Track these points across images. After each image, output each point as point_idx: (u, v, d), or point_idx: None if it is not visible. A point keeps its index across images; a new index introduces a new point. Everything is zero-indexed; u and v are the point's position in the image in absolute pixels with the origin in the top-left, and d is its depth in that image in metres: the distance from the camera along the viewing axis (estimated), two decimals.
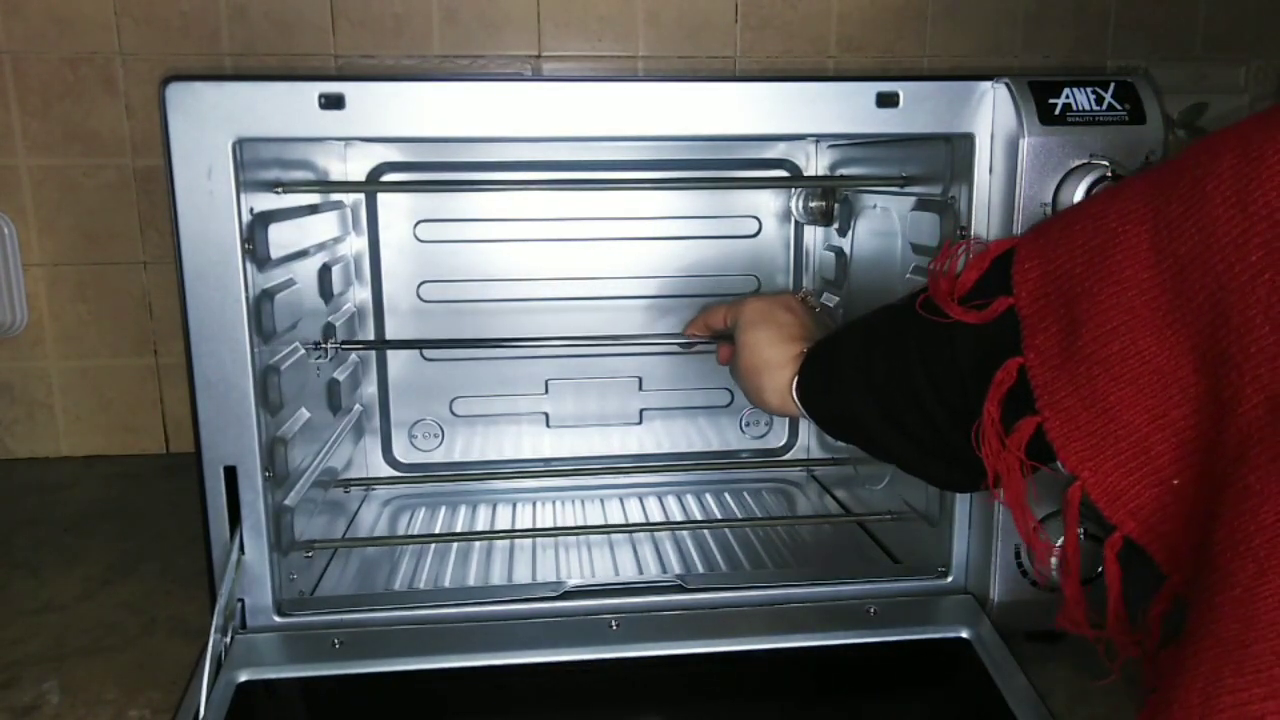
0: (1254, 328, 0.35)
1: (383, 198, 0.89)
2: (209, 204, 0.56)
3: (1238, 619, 0.34)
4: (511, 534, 0.83)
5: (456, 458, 0.95)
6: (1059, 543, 0.61)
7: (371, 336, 0.91)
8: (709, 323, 0.74)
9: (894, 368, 0.53)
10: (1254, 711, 0.33)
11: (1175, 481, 0.40)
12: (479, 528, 0.85)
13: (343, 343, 0.81)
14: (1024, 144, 0.58)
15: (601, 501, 0.91)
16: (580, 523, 0.86)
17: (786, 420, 0.99)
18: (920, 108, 0.60)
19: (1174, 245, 0.39)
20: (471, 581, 0.73)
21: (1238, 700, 0.33)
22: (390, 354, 0.91)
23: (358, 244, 0.89)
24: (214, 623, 0.57)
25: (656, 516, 0.88)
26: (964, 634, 0.63)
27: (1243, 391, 0.36)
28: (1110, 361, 0.41)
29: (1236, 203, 0.36)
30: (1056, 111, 0.58)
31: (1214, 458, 0.38)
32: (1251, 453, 0.35)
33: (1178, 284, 0.39)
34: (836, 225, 0.89)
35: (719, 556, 0.77)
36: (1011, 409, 0.46)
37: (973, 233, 0.61)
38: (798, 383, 0.62)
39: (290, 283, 0.68)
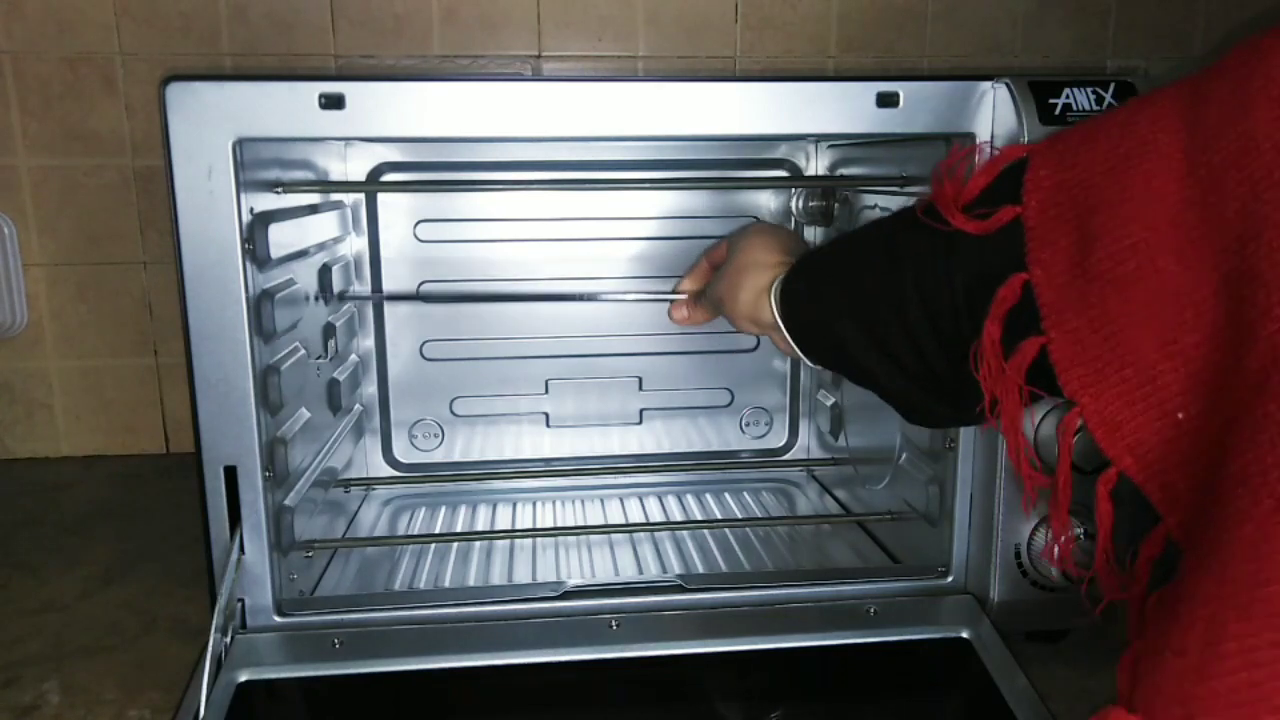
0: None
1: (383, 197, 0.89)
2: (209, 204, 0.56)
3: (1248, 558, 0.31)
4: (511, 534, 0.83)
5: (456, 458, 0.95)
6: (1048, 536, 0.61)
7: (371, 336, 0.91)
8: (713, 259, 0.69)
9: (883, 279, 0.49)
10: (1261, 658, 0.30)
11: (1180, 415, 0.37)
12: (479, 528, 0.85)
13: (340, 294, 0.83)
14: (1024, 144, 0.58)
15: (601, 501, 0.91)
16: (580, 523, 0.86)
17: (786, 420, 0.99)
18: (920, 108, 0.60)
19: (1208, 154, 0.36)
20: (471, 581, 0.73)
21: (1244, 647, 0.31)
22: (390, 354, 0.91)
23: (358, 244, 0.89)
24: (214, 623, 0.57)
25: (656, 516, 0.88)
26: (964, 634, 0.63)
27: (1270, 312, 0.33)
28: (1123, 281, 0.38)
29: None
30: (1056, 111, 0.58)
31: (1228, 388, 0.35)
32: (1275, 379, 0.32)
33: (1208, 197, 0.36)
34: (836, 225, 0.89)
35: (719, 556, 0.77)
36: (1011, 329, 0.43)
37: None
38: (779, 284, 0.58)
39: (290, 283, 0.68)
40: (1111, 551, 0.43)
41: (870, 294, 0.50)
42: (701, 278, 0.71)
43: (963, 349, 0.46)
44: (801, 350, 0.57)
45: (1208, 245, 0.36)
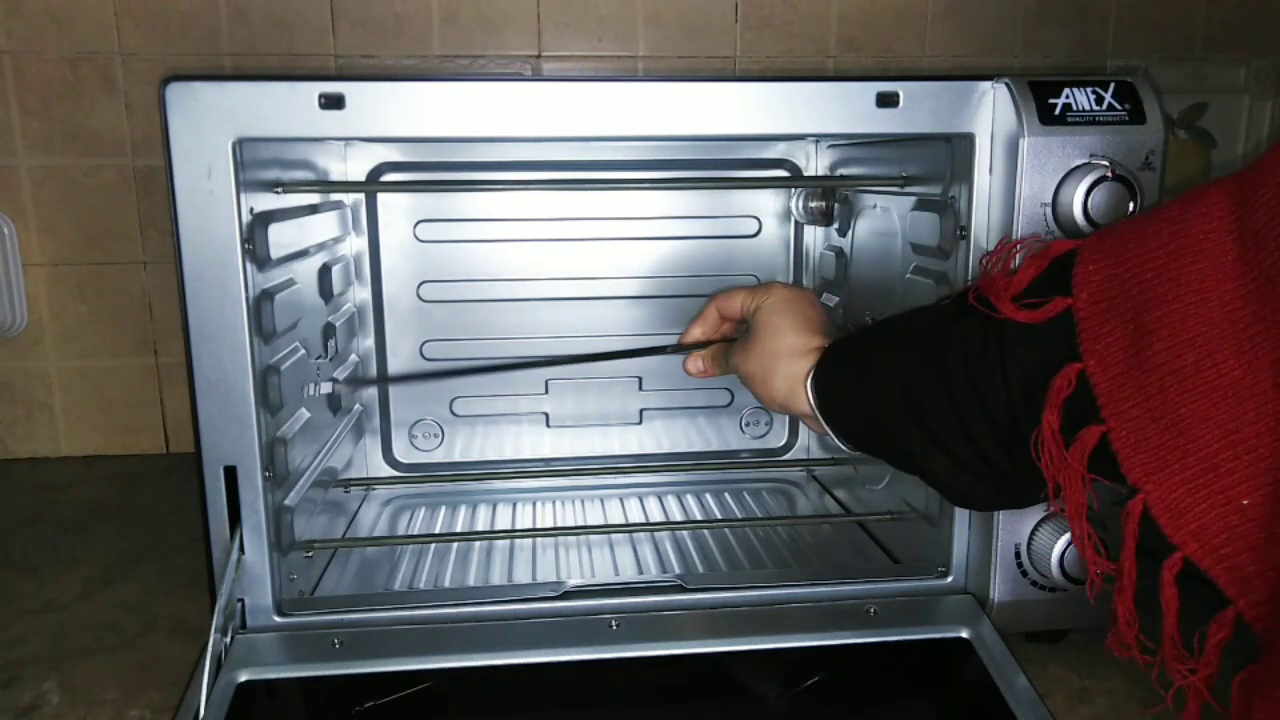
0: None
1: (383, 198, 0.89)
2: (209, 204, 0.56)
3: None
4: (511, 534, 0.83)
5: (456, 458, 0.95)
6: (1063, 539, 0.61)
7: (371, 336, 0.91)
8: (723, 309, 0.67)
9: (931, 369, 0.50)
10: None
11: (1245, 502, 0.39)
12: (479, 528, 0.85)
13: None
14: (1024, 144, 0.58)
15: (601, 501, 0.91)
16: (580, 523, 0.86)
17: (786, 420, 0.99)
18: (920, 108, 0.60)
19: (1260, 255, 0.37)
20: (471, 581, 0.73)
21: None
22: (390, 355, 0.91)
23: (358, 244, 0.89)
24: (214, 623, 0.57)
25: (656, 516, 0.88)
26: (964, 634, 0.63)
27: None
28: (1183, 374, 0.39)
29: None
30: (1056, 111, 0.58)
31: None
32: None
33: (1264, 295, 0.37)
34: (836, 225, 0.89)
35: (719, 556, 0.77)
36: (1068, 418, 0.44)
37: (973, 233, 0.61)
38: (815, 373, 0.58)
39: (290, 283, 0.68)
40: (1178, 637, 0.44)
41: (918, 386, 0.51)
42: (711, 327, 0.69)
43: (1018, 438, 0.47)
44: (840, 439, 0.58)
45: (1266, 342, 0.37)
